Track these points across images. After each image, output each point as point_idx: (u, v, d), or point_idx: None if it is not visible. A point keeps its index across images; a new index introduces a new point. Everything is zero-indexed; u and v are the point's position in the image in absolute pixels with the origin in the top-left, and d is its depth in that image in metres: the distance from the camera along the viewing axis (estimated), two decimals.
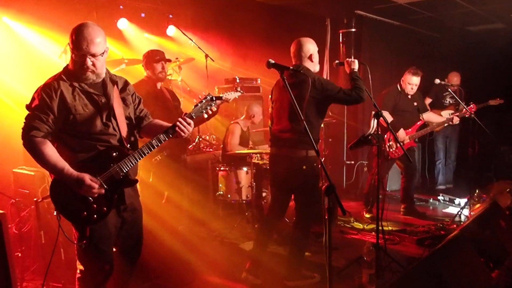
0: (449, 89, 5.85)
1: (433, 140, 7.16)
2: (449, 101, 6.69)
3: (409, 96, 5.67)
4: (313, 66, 3.82)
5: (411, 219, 5.64)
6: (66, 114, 2.49)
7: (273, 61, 2.66)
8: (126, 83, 2.82)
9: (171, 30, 7.30)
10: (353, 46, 7.22)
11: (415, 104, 5.67)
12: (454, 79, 6.66)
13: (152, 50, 4.57)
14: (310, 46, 3.81)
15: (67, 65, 2.61)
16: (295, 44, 3.83)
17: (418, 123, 5.63)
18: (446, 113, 6.59)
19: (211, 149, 6.29)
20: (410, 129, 5.54)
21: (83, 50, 2.46)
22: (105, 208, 2.54)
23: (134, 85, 4.24)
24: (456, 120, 5.66)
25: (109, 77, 2.69)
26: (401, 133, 5.43)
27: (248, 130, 5.84)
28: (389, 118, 5.38)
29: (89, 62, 2.49)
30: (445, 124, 5.80)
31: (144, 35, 7.15)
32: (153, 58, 4.46)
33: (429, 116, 5.75)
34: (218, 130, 6.77)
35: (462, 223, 5.08)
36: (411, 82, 5.55)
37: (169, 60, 4.68)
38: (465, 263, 2.97)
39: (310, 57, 3.79)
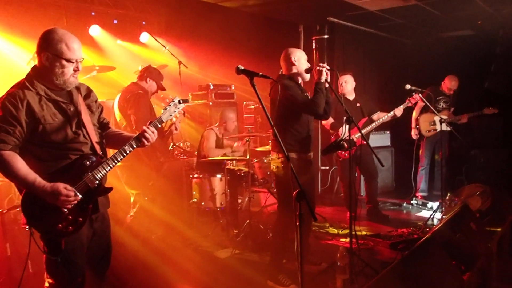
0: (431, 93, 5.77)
1: (419, 146, 6.80)
2: (443, 106, 6.63)
3: (351, 99, 5.79)
4: (296, 69, 3.90)
5: (385, 224, 5.69)
6: (34, 124, 2.39)
7: (242, 67, 2.63)
8: (89, 90, 2.76)
9: (144, 36, 7.24)
10: (326, 53, 7.30)
11: (358, 105, 5.75)
12: (452, 83, 6.60)
13: (160, 72, 4.83)
14: (292, 52, 3.91)
15: (30, 73, 2.51)
16: (282, 54, 3.96)
17: (362, 121, 5.66)
18: (439, 118, 6.59)
19: (185, 156, 6.22)
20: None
21: (76, 56, 2.47)
22: (80, 219, 2.46)
23: (134, 95, 4.35)
24: (399, 112, 5.51)
25: None
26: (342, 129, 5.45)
27: (223, 136, 5.81)
28: (331, 120, 5.57)
29: (80, 66, 2.50)
30: (390, 117, 5.57)
31: (116, 41, 7.07)
32: (158, 79, 4.75)
33: (379, 116, 5.77)
34: (192, 137, 6.72)
35: (434, 226, 5.14)
36: (340, 81, 5.68)
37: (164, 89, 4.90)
38: (437, 265, 3.00)
39: (291, 62, 3.87)
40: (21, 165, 2.35)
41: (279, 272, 3.87)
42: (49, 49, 2.42)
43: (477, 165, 7.24)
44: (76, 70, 2.50)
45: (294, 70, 3.90)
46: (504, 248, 3.95)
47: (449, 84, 6.62)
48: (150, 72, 4.70)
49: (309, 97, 3.85)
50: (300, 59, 3.91)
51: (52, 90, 2.49)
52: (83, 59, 2.54)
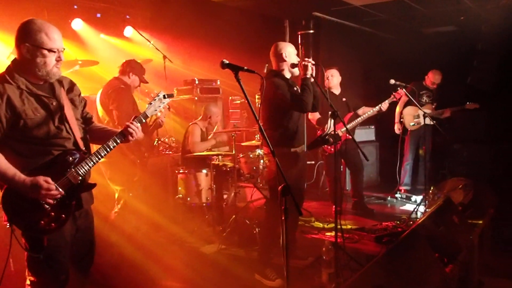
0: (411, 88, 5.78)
1: (403, 140, 6.88)
2: (426, 100, 6.72)
3: (336, 93, 5.83)
4: (287, 66, 3.87)
5: (369, 217, 5.74)
6: (15, 119, 2.34)
7: (227, 61, 2.61)
8: (72, 83, 2.71)
9: (129, 31, 7.16)
10: (311, 48, 7.32)
11: (344, 99, 5.77)
12: (436, 77, 6.72)
13: (142, 65, 4.76)
14: (282, 46, 3.88)
15: (10, 66, 2.46)
16: (271, 48, 3.92)
17: (347, 115, 5.70)
18: (422, 112, 6.63)
19: (170, 152, 6.18)
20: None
21: (57, 45, 2.41)
22: (63, 215, 2.42)
23: (116, 90, 4.29)
24: (385, 107, 5.57)
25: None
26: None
27: (207, 130, 5.78)
28: (317, 116, 5.58)
29: (62, 56, 2.45)
30: (376, 112, 5.62)
31: (100, 36, 6.97)
32: (141, 73, 4.67)
33: (364, 110, 5.81)
34: (177, 133, 6.67)
35: (417, 219, 5.20)
36: (326, 75, 5.73)
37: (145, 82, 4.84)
38: (420, 258, 3.03)
39: (281, 56, 3.85)
40: (0, 159, 2.30)
41: (267, 266, 3.89)
42: (29, 40, 2.37)
43: (460, 159, 7.35)
44: (58, 60, 2.45)
45: (285, 66, 3.89)
46: (485, 240, 4.02)
47: (432, 78, 6.72)
48: (132, 67, 4.64)
49: (298, 90, 3.84)
50: (290, 54, 3.89)
51: (33, 84, 2.44)
52: (64, 49, 2.49)
